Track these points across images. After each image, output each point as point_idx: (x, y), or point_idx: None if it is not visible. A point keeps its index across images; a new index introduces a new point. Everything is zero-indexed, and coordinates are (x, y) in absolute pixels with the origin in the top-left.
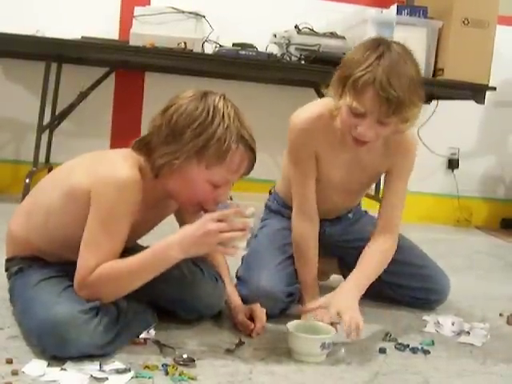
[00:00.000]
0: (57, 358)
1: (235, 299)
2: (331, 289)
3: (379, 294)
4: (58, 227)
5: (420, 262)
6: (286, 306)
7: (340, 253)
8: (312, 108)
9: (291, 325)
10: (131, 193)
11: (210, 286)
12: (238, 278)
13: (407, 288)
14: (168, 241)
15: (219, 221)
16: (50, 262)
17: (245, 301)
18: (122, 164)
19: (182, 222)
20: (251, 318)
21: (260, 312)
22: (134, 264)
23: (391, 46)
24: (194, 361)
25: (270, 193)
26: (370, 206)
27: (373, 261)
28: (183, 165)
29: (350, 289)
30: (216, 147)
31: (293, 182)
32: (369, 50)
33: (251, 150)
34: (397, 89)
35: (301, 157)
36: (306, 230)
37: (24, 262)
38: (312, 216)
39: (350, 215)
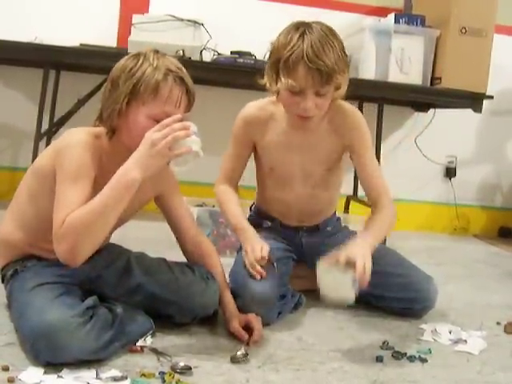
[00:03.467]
0: (53, 365)
1: (230, 307)
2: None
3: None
4: (38, 213)
5: (399, 270)
6: (280, 307)
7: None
8: (257, 102)
9: (322, 263)
10: (89, 151)
11: (202, 285)
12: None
13: (390, 299)
14: (124, 166)
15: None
16: (44, 258)
17: (240, 310)
18: (78, 132)
19: (164, 208)
20: (247, 328)
21: (256, 321)
22: (100, 199)
23: (311, 25)
24: (191, 369)
25: (251, 209)
26: (355, 208)
27: (378, 223)
28: (126, 111)
29: (362, 240)
30: (146, 82)
31: (225, 158)
32: (290, 32)
33: (182, 81)
34: (324, 59)
35: (239, 141)
36: (228, 189)
37: (18, 264)
38: (234, 184)
39: (329, 228)
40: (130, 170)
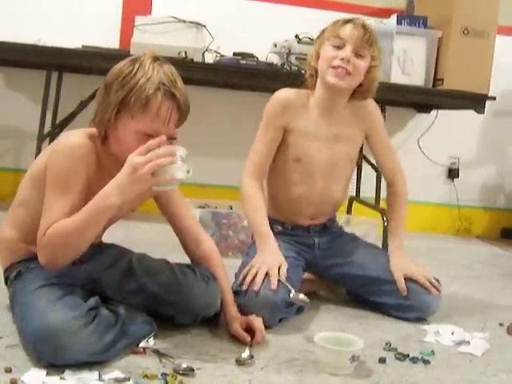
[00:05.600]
0: (55, 366)
1: (231, 309)
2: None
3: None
4: (36, 216)
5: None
6: (285, 315)
7: (330, 276)
8: (291, 89)
9: (319, 337)
10: (80, 158)
11: (203, 285)
12: (234, 291)
13: (386, 306)
14: (105, 189)
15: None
16: None
17: (243, 310)
18: (72, 135)
19: (164, 207)
20: (248, 329)
21: (258, 322)
22: (79, 218)
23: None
24: (194, 370)
25: None
26: (358, 209)
27: (401, 209)
28: (115, 120)
29: (397, 248)
30: (136, 95)
31: (255, 148)
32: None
33: (173, 98)
34: (368, 26)
35: (273, 124)
36: (257, 190)
37: (21, 265)
38: (262, 178)
39: (334, 229)
40: (109, 196)
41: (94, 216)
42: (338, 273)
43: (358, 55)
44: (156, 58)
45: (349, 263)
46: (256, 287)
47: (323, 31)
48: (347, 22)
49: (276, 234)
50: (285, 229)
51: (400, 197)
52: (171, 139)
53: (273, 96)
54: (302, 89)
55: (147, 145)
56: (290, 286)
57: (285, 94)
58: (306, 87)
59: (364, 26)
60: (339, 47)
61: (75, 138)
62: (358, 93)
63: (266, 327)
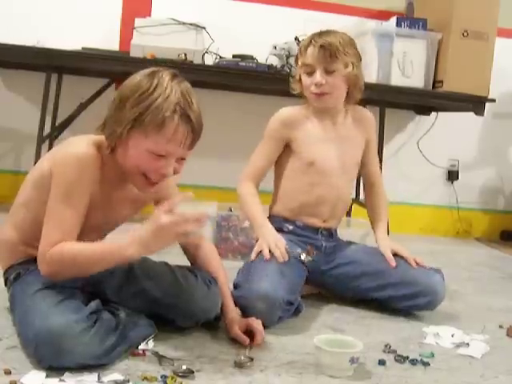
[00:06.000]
0: (55, 368)
1: (231, 312)
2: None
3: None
4: (36, 218)
5: (399, 269)
6: (284, 314)
7: (326, 282)
8: (290, 107)
9: (319, 339)
10: (87, 167)
11: (204, 289)
12: (235, 285)
13: (392, 299)
14: (129, 240)
15: (171, 211)
16: None
17: (242, 306)
18: (79, 142)
19: None
20: (248, 331)
21: (257, 324)
22: (95, 254)
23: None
24: (193, 372)
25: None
26: (357, 212)
27: (383, 206)
28: (126, 134)
29: (383, 234)
30: (152, 115)
31: (255, 157)
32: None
33: (189, 121)
34: (327, 38)
35: (274, 139)
36: (253, 192)
37: (21, 267)
38: (257, 183)
39: (338, 236)
40: (129, 247)
41: (108, 259)
42: (340, 273)
43: (328, 72)
44: (175, 75)
45: (350, 263)
46: (267, 256)
47: (297, 57)
48: (307, 45)
49: (286, 233)
50: (296, 227)
51: (381, 195)
52: (182, 159)
53: (274, 115)
54: (295, 99)
55: (170, 203)
56: (296, 251)
57: (285, 111)
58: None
59: (323, 46)
60: (311, 73)
61: (82, 147)
62: (348, 96)
63: (265, 327)
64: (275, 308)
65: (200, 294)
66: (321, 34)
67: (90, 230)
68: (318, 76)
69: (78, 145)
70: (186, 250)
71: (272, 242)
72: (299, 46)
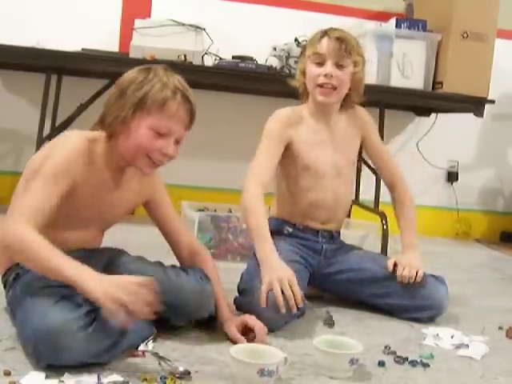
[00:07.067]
0: (54, 369)
1: (225, 311)
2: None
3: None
4: None
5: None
6: (291, 318)
7: (331, 287)
8: (285, 108)
9: (318, 340)
10: (74, 157)
11: (196, 285)
12: (240, 291)
13: (397, 309)
14: (88, 271)
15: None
16: None
17: (249, 308)
18: (72, 134)
19: (154, 215)
20: (249, 329)
21: (252, 320)
22: (48, 260)
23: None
24: (190, 373)
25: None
26: (356, 213)
27: (410, 217)
28: (129, 118)
29: (413, 251)
30: (155, 96)
31: (257, 152)
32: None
33: (188, 101)
34: (343, 33)
35: (274, 137)
36: (259, 196)
37: (20, 268)
38: (264, 186)
39: (340, 239)
40: (86, 281)
41: (65, 275)
42: (343, 279)
43: (339, 66)
44: (167, 69)
45: (355, 269)
46: (281, 306)
47: (304, 49)
48: (322, 36)
49: (285, 236)
50: (295, 230)
51: (404, 203)
52: (178, 143)
53: (271, 116)
54: (294, 100)
55: (143, 283)
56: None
57: (283, 112)
58: (301, 100)
59: (339, 38)
60: (321, 63)
61: (74, 138)
62: (347, 97)
63: (270, 330)
64: (283, 315)
65: (192, 290)
66: (336, 28)
67: (85, 223)
68: (330, 66)
69: (71, 136)
70: (177, 250)
71: (284, 277)
72: (311, 37)
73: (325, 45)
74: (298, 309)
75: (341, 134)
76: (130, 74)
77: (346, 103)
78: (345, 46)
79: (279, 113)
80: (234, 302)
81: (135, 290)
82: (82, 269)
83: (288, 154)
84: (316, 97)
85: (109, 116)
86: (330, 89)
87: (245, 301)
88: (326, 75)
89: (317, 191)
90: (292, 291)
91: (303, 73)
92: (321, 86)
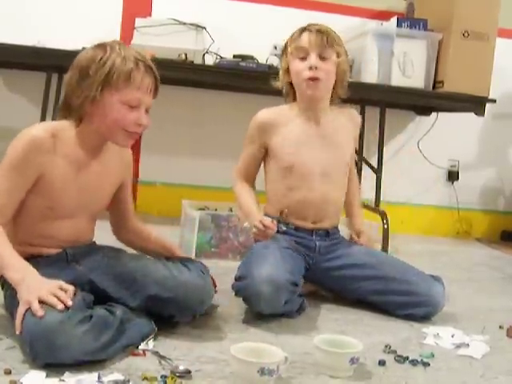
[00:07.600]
0: (55, 368)
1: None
2: None
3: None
4: (26, 217)
5: (402, 276)
6: (290, 296)
7: (329, 283)
8: (270, 108)
9: (318, 339)
10: (36, 148)
11: (200, 281)
12: (236, 278)
13: (393, 305)
14: (23, 264)
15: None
16: (43, 256)
17: (246, 295)
18: (36, 126)
19: (116, 196)
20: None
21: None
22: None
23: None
24: (190, 372)
25: None
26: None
27: (360, 207)
28: (98, 97)
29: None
30: (119, 70)
31: (241, 156)
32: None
33: (151, 69)
34: (323, 27)
35: (252, 142)
36: (247, 187)
37: None
38: (250, 181)
39: (336, 236)
40: (16, 272)
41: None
42: (342, 275)
43: (322, 58)
44: (121, 43)
45: (354, 265)
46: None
47: (285, 47)
48: (303, 31)
49: (280, 233)
50: (289, 229)
51: (356, 194)
52: (147, 111)
53: (253, 118)
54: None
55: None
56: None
57: (263, 115)
58: (289, 100)
59: (319, 30)
60: (304, 58)
61: (32, 130)
62: (334, 91)
63: (269, 314)
64: (280, 289)
65: (195, 285)
66: (314, 23)
67: (71, 211)
68: (313, 59)
69: (30, 129)
70: (124, 236)
71: (257, 221)
72: (291, 34)
73: (306, 38)
74: (296, 285)
75: (333, 134)
76: (87, 54)
77: (332, 97)
78: (326, 38)
79: (259, 116)
80: (232, 288)
81: (54, 290)
82: (14, 262)
83: (272, 155)
84: (304, 92)
85: (75, 99)
86: (316, 82)
87: (242, 285)
88: (310, 68)
89: (303, 191)
90: None
91: (287, 71)
92: (307, 80)
